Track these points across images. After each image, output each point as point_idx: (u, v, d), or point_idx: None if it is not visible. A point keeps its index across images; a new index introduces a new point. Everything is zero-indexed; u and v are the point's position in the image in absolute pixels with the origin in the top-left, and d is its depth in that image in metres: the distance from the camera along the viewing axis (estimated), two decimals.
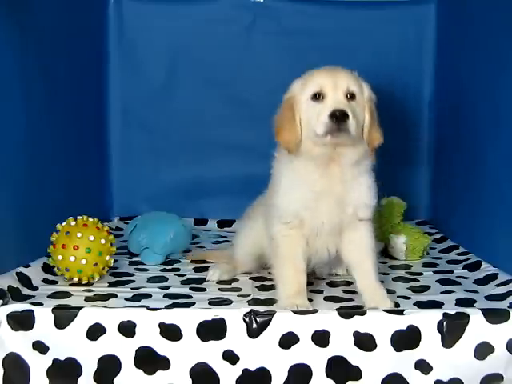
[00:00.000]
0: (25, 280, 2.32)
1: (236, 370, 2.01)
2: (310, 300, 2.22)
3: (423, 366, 2.00)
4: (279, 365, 2.00)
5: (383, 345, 1.99)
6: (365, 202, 2.27)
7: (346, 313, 2.02)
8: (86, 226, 2.40)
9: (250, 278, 2.53)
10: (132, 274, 2.56)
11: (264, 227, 2.42)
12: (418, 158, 3.50)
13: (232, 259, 2.58)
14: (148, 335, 2.01)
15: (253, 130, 3.37)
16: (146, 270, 2.64)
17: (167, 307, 2.10)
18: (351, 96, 2.17)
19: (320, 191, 2.21)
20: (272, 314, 2.01)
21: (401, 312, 2.03)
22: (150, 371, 2.01)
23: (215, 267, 2.54)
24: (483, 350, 1.99)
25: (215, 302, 2.20)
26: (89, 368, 2.02)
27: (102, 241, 2.41)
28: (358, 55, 3.41)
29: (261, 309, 2.04)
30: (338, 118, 2.09)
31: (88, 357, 2.02)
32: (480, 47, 2.75)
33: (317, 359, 2.00)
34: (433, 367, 2.00)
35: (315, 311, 2.03)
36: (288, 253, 2.26)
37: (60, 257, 2.37)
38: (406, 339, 2.00)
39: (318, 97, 2.16)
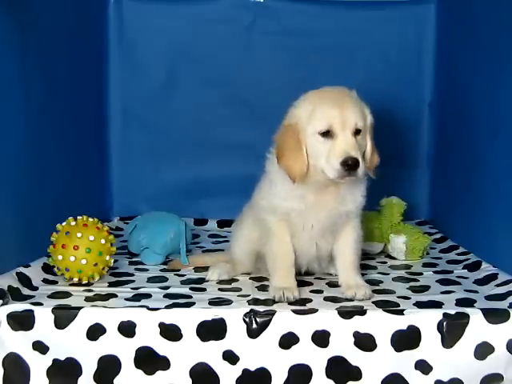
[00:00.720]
0: (25, 280, 2.32)
1: (236, 370, 2.01)
2: (310, 300, 2.23)
3: (423, 366, 2.00)
4: (279, 365, 2.00)
5: (383, 345, 2.00)
6: (358, 209, 2.36)
7: (346, 313, 2.03)
8: (86, 226, 2.40)
9: (250, 278, 2.53)
10: (132, 274, 2.56)
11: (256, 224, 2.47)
12: (418, 158, 3.49)
13: (230, 261, 2.58)
14: (148, 335, 2.01)
15: (253, 130, 3.37)
16: (146, 270, 2.64)
17: (167, 307, 2.09)
18: (357, 131, 2.19)
19: (313, 202, 2.28)
20: (272, 313, 2.01)
21: (401, 312, 2.03)
22: (150, 371, 2.02)
23: (215, 267, 2.54)
24: (483, 350, 1.99)
25: (215, 302, 2.20)
26: (89, 368, 2.02)
27: (102, 241, 2.41)
28: (358, 55, 3.42)
29: (261, 309, 2.04)
30: (350, 166, 2.11)
31: (88, 357, 2.02)
32: (480, 47, 2.75)
33: (317, 359, 2.00)
34: (433, 367, 2.00)
35: (315, 311, 2.04)
36: (277, 236, 2.34)
37: (60, 257, 2.36)
38: (406, 339, 2.00)
39: (326, 133, 2.16)
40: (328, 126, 2.15)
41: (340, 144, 2.14)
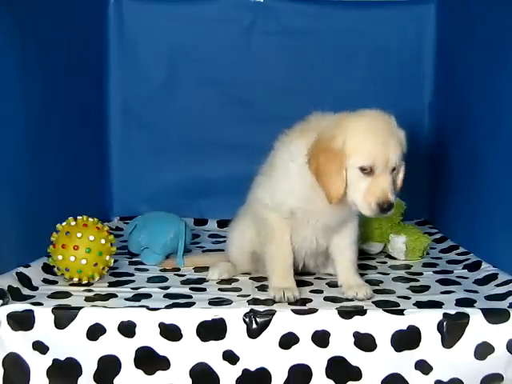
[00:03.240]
0: (25, 280, 2.32)
1: (236, 370, 2.01)
2: (310, 300, 2.23)
3: (423, 366, 2.00)
4: (279, 365, 2.00)
5: (383, 345, 2.00)
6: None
7: (346, 313, 2.03)
8: (86, 226, 2.40)
9: (250, 278, 2.53)
10: (132, 274, 2.56)
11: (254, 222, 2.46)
12: (417, 158, 3.48)
13: (228, 261, 2.59)
14: (148, 335, 2.01)
15: (253, 130, 3.37)
16: (146, 270, 2.64)
17: (167, 307, 2.09)
18: (394, 169, 2.18)
19: (320, 200, 2.23)
20: (272, 313, 2.01)
21: (401, 312, 2.03)
22: (150, 371, 2.02)
23: (215, 266, 2.54)
24: (483, 350, 1.99)
25: (215, 302, 2.20)
26: (89, 368, 2.02)
27: (102, 241, 2.41)
28: (358, 55, 3.42)
29: (261, 309, 2.04)
30: (385, 209, 2.11)
31: (88, 357, 2.02)
32: (480, 47, 2.74)
33: (317, 359, 2.00)
34: (433, 367, 2.00)
35: (315, 311, 2.04)
36: (277, 236, 2.33)
37: (60, 257, 2.36)
38: (406, 339, 2.00)
39: (367, 169, 2.13)
40: (371, 164, 2.12)
41: (380, 185, 2.12)
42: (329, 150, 2.13)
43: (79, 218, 2.43)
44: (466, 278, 2.51)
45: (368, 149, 2.12)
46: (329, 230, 2.36)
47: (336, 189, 2.14)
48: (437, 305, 2.18)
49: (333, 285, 2.42)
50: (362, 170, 2.13)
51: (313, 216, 2.31)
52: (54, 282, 2.41)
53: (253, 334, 2.01)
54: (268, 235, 2.36)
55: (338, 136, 2.13)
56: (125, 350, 2.02)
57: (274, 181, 2.32)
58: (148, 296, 2.27)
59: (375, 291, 2.32)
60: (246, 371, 2.01)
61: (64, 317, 2.03)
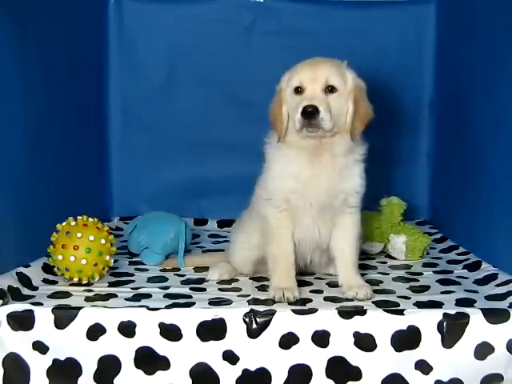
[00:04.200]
0: (25, 280, 2.32)
1: (236, 370, 2.01)
2: (310, 300, 2.23)
3: (423, 366, 2.01)
4: (279, 365, 2.01)
5: (383, 345, 2.00)
6: (355, 190, 2.36)
7: (346, 313, 2.03)
8: (86, 226, 2.40)
9: (250, 278, 2.53)
10: (132, 274, 2.56)
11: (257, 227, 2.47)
12: (418, 158, 3.49)
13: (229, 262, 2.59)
14: (148, 335, 2.01)
15: (253, 130, 3.33)
16: (146, 270, 2.64)
17: (167, 307, 2.09)
18: (331, 89, 2.25)
19: (308, 178, 2.30)
20: (272, 313, 2.01)
21: (401, 312, 2.03)
22: (150, 371, 2.02)
23: (215, 267, 2.54)
24: (483, 350, 1.99)
25: (215, 302, 2.20)
26: (89, 368, 2.02)
27: (102, 241, 2.41)
28: (358, 55, 3.37)
29: (261, 309, 2.04)
30: (308, 114, 2.17)
31: (88, 357, 2.02)
32: (480, 47, 2.74)
33: (317, 359, 2.00)
34: (433, 367, 2.01)
35: (315, 311, 2.04)
36: (277, 234, 2.36)
37: (60, 257, 2.36)
38: (406, 339, 2.00)
39: (298, 90, 2.27)
40: (299, 83, 2.26)
41: (305, 95, 2.23)
42: (275, 94, 2.37)
43: (79, 218, 2.43)
44: (466, 277, 2.51)
45: (297, 71, 2.30)
46: (326, 212, 2.36)
47: (279, 123, 2.32)
48: (437, 305, 2.18)
49: (333, 285, 2.42)
50: (295, 91, 2.27)
51: (306, 199, 2.32)
52: (54, 282, 2.41)
53: (253, 334, 2.01)
54: (269, 233, 2.37)
55: (281, 79, 2.36)
56: (125, 349, 2.02)
57: (265, 172, 2.40)
58: (148, 296, 2.27)
59: (375, 291, 2.32)
60: (245, 371, 2.01)
61: (64, 317, 2.03)
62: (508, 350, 1.99)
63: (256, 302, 2.21)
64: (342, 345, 2.00)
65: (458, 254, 2.82)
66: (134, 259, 2.77)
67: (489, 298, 2.27)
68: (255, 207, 2.48)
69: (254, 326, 2.01)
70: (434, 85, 3.42)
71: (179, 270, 2.65)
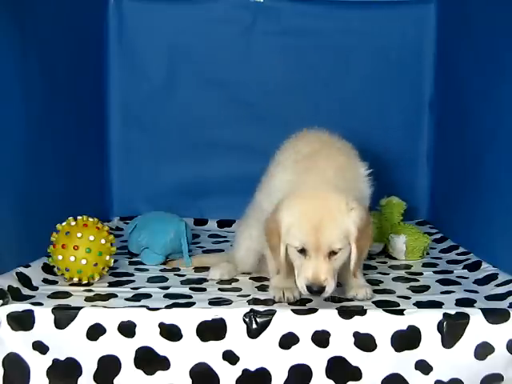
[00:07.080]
0: (25, 280, 2.32)
1: (236, 370, 2.01)
2: (310, 300, 2.23)
3: (423, 367, 2.00)
4: (279, 365, 2.00)
5: (383, 345, 2.00)
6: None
7: (346, 313, 2.03)
8: (86, 226, 2.40)
9: (250, 278, 2.53)
10: (132, 274, 2.56)
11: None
12: (418, 158, 3.49)
13: (230, 261, 2.58)
14: (148, 335, 2.01)
15: (253, 130, 3.38)
16: (146, 269, 2.64)
17: (167, 307, 2.09)
18: (333, 252, 2.10)
19: None
20: (272, 313, 2.01)
21: (401, 312, 2.03)
22: (150, 371, 2.02)
23: (216, 267, 2.54)
24: (483, 350, 1.99)
25: (215, 302, 2.20)
26: (89, 368, 2.02)
27: (102, 241, 2.41)
28: (358, 55, 3.41)
29: (261, 309, 2.04)
30: (315, 292, 2.07)
31: (88, 357, 2.02)
32: (480, 47, 2.74)
33: (317, 359, 2.00)
34: (433, 367, 2.00)
35: (315, 311, 2.04)
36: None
37: (60, 257, 2.36)
38: (406, 339, 2.00)
39: (301, 250, 2.10)
40: (302, 246, 2.10)
41: (310, 267, 2.07)
42: (272, 222, 2.16)
43: (79, 217, 2.43)
44: (466, 277, 2.51)
45: (299, 231, 2.10)
46: None
47: (276, 263, 2.20)
48: (437, 305, 2.18)
49: None
50: (297, 249, 2.11)
51: None
52: (54, 282, 2.41)
53: (253, 334, 2.01)
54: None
55: (280, 216, 2.13)
56: (125, 349, 2.02)
57: (268, 185, 2.36)
58: (148, 296, 2.27)
59: (375, 291, 2.32)
60: (245, 371, 2.01)
61: (64, 317, 2.03)
62: (508, 350, 1.99)
63: (256, 302, 2.21)
64: (342, 345, 2.00)
65: (458, 254, 2.82)
66: (134, 259, 2.77)
67: (489, 298, 2.26)
68: (255, 207, 2.48)
69: (254, 326, 2.01)
70: (434, 85, 3.42)
71: (179, 269, 2.65)
